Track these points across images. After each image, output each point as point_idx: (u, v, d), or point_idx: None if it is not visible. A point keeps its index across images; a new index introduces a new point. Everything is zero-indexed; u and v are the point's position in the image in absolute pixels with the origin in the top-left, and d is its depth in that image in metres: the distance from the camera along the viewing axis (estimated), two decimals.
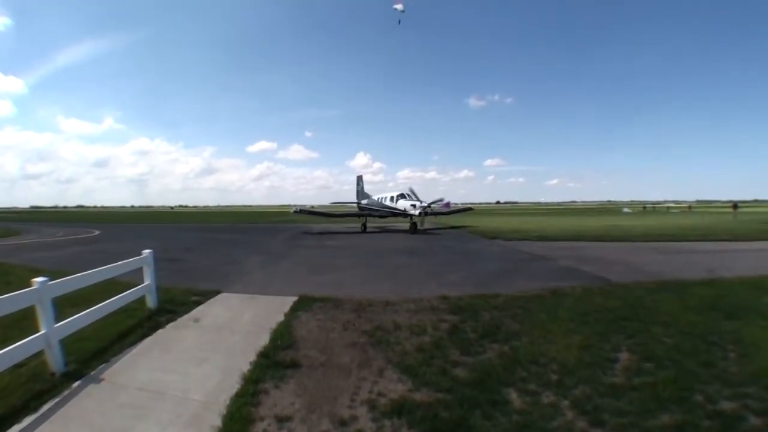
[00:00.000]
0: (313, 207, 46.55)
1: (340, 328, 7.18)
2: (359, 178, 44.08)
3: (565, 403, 4.48)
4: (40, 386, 4.90)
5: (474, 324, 7.24)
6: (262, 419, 4.24)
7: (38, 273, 7.43)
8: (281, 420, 4.21)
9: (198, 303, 8.86)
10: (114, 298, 7.13)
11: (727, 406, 4.33)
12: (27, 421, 4.23)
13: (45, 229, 39.81)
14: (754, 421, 4.06)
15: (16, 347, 4.76)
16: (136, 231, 37.01)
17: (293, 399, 4.66)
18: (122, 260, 7.75)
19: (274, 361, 5.66)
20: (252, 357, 5.80)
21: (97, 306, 6.57)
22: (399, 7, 31.22)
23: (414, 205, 30.08)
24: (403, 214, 31.24)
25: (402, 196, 32.16)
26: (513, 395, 4.66)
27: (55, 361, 5.28)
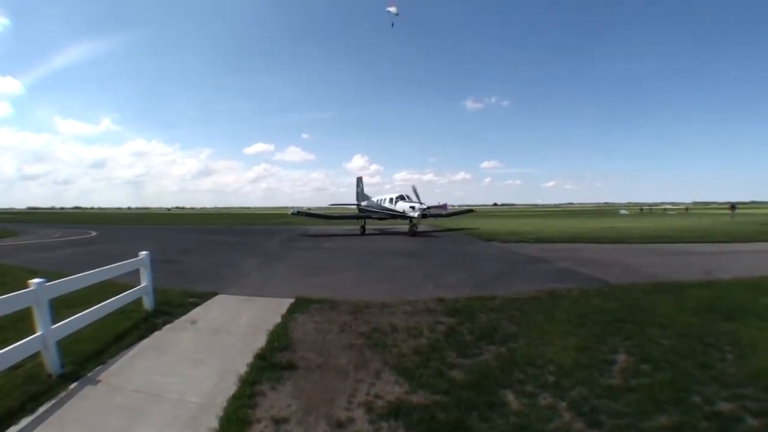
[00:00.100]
0: (310, 209, 46.42)
1: (337, 330, 7.17)
2: (359, 180, 43.89)
3: (563, 404, 4.47)
4: (36, 388, 4.88)
5: (471, 326, 7.23)
6: (258, 421, 4.23)
7: (35, 274, 7.40)
8: (278, 422, 4.20)
9: (195, 305, 8.84)
10: (111, 299, 7.10)
11: (724, 407, 4.34)
12: (24, 422, 4.21)
13: (42, 230, 39.75)
14: (752, 422, 4.07)
15: (12, 349, 4.74)
16: (132, 232, 36.95)
17: (290, 401, 4.65)
18: (119, 262, 7.73)
19: (271, 363, 5.64)
20: (249, 359, 5.79)
21: (93, 307, 6.55)
22: (392, 9, 31.31)
23: (413, 207, 29.67)
24: (402, 216, 30.86)
25: (401, 197, 31.72)
26: (510, 397, 4.66)
27: (51, 363, 5.26)
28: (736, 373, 5.12)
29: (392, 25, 33.16)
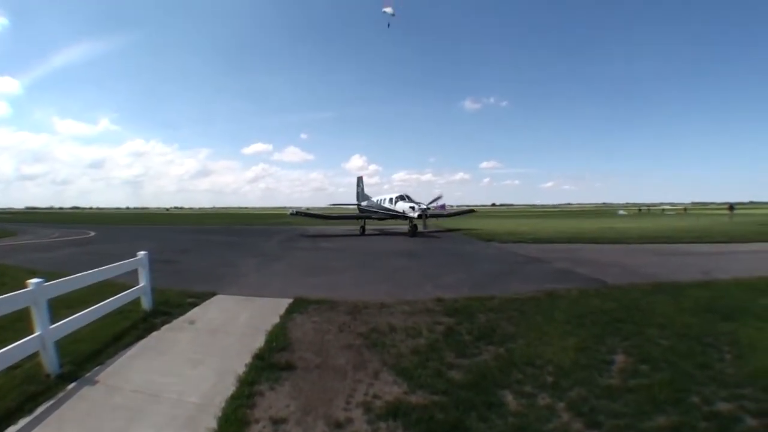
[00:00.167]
0: (308, 209, 46.27)
1: (336, 330, 7.17)
2: (359, 180, 43.69)
3: (561, 405, 4.47)
4: (34, 388, 4.87)
5: (469, 326, 7.23)
6: (257, 421, 4.22)
7: (34, 274, 7.39)
8: (276, 422, 4.20)
9: (193, 305, 8.83)
10: (109, 299, 7.10)
11: (723, 407, 4.34)
12: (22, 423, 4.20)
13: (40, 230, 39.74)
14: (751, 422, 4.07)
15: (10, 349, 4.73)
16: (131, 232, 36.93)
17: (288, 401, 4.65)
18: (117, 262, 7.72)
19: (270, 363, 5.64)
20: (247, 359, 5.78)
21: (92, 308, 6.54)
22: (388, 10, 31.34)
23: (413, 207, 29.59)
24: (402, 216, 30.68)
25: (401, 197, 31.54)
26: (509, 397, 4.66)
27: (50, 363, 5.25)
28: (734, 374, 5.13)
29: (388, 25, 33.19)
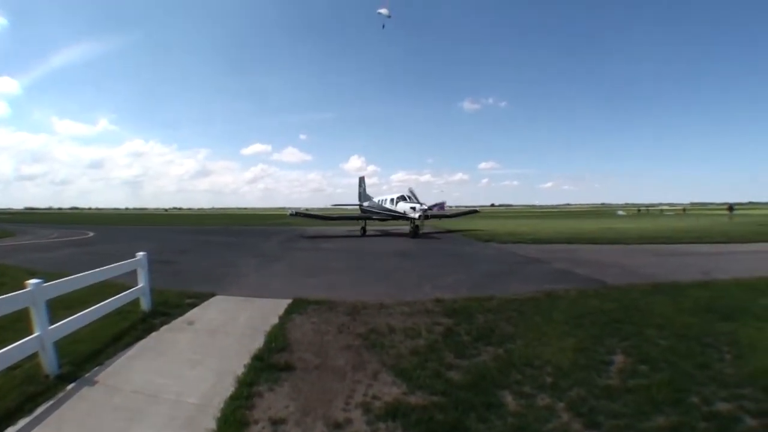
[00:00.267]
0: (308, 210, 46.16)
1: (335, 331, 7.16)
2: (361, 180, 43.46)
3: (560, 405, 4.47)
4: (34, 388, 4.87)
5: (468, 327, 7.23)
6: (256, 422, 4.22)
7: (33, 274, 7.39)
8: (275, 423, 4.20)
9: (192, 305, 8.83)
10: (108, 300, 7.09)
11: (723, 407, 4.34)
12: (21, 423, 4.20)
13: (39, 230, 39.76)
14: (750, 422, 4.07)
15: (10, 349, 4.73)
16: (130, 233, 36.95)
17: (287, 402, 4.65)
18: (116, 262, 7.72)
19: (269, 364, 5.64)
20: (246, 360, 5.78)
21: (91, 308, 6.54)
22: (384, 11, 31.43)
23: (414, 208, 29.19)
24: (404, 217, 30.32)
25: (402, 198, 31.16)
26: (508, 398, 4.66)
27: (49, 364, 5.25)
28: (734, 374, 5.13)
29: (383, 26, 33.36)
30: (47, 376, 5.18)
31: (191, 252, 20.55)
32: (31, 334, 5.12)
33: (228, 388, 4.95)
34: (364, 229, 33.11)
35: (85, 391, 4.95)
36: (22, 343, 4.92)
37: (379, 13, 32.36)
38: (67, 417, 4.35)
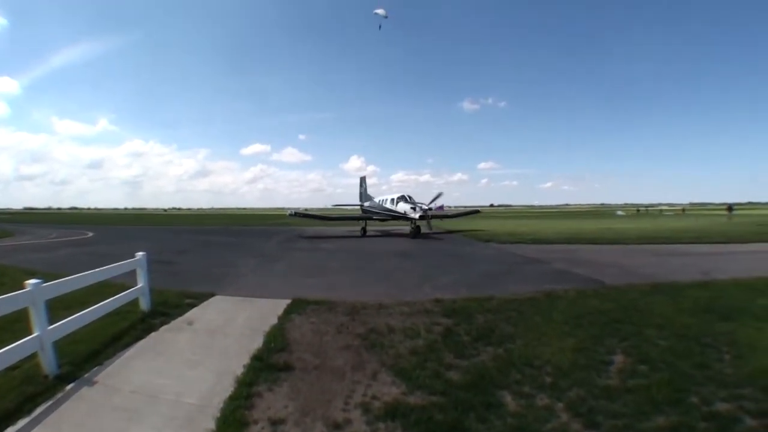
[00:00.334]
0: (307, 210, 46.05)
1: (334, 331, 7.16)
2: (362, 180, 43.34)
3: (560, 405, 4.48)
4: (33, 389, 4.87)
5: (468, 327, 7.23)
6: (255, 422, 4.22)
7: (32, 275, 7.39)
8: (275, 423, 4.20)
9: (191, 306, 8.83)
10: (107, 300, 7.09)
11: (722, 407, 4.34)
12: (20, 423, 4.20)
13: (38, 230, 39.74)
14: (750, 422, 4.07)
15: (9, 349, 4.72)
16: (129, 233, 36.94)
17: (287, 402, 4.65)
18: (116, 262, 7.72)
19: (268, 364, 5.64)
20: (245, 360, 5.78)
21: (90, 308, 6.54)
22: (380, 12, 31.50)
23: (414, 208, 29.10)
24: (404, 217, 30.17)
25: (403, 198, 30.89)
26: (507, 398, 4.66)
27: (48, 364, 5.25)
28: (733, 374, 5.13)
29: (380, 27, 33.47)
30: (46, 377, 5.17)
31: (190, 252, 20.56)
32: (30, 334, 5.12)
33: (227, 388, 4.95)
34: (364, 229, 32.91)
35: (85, 391, 4.94)
36: (22, 343, 4.92)
37: (376, 14, 32.44)
38: (67, 417, 4.35)
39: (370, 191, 41.26)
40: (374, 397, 4.74)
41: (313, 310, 8.50)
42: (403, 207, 30.23)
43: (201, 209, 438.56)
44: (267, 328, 7.22)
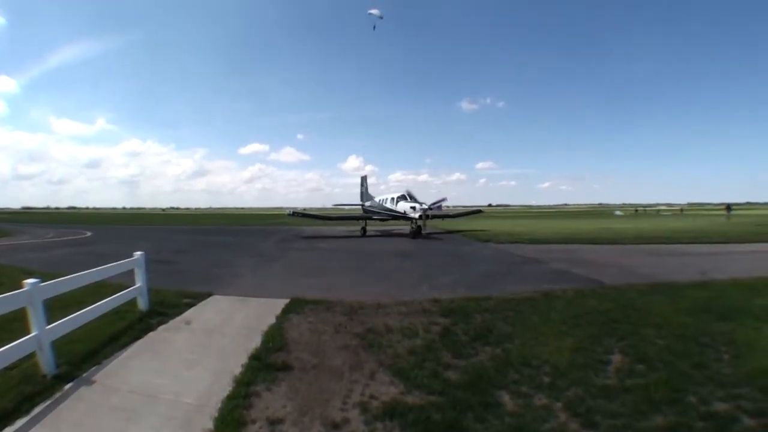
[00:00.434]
0: (305, 209, 45.93)
1: (332, 331, 7.16)
2: (363, 179, 43.11)
3: (558, 405, 4.48)
4: (31, 388, 4.86)
5: (466, 327, 7.23)
6: (253, 422, 4.22)
7: (30, 274, 7.38)
8: (273, 423, 4.19)
9: (189, 305, 8.82)
10: (105, 300, 7.08)
11: (720, 407, 4.35)
12: (19, 423, 4.19)
13: (37, 230, 39.68)
14: (748, 422, 4.08)
15: (7, 349, 4.72)
16: (127, 233, 36.93)
17: (285, 401, 4.64)
18: (113, 262, 7.71)
19: (266, 364, 5.63)
20: (243, 359, 5.78)
21: (88, 308, 6.53)
22: (375, 12, 31.50)
23: (414, 208, 28.79)
24: (404, 217, 29.93)
25: (403, 197, 30.72)
26: (505, 398, 4.66)
27: (46, 363, 5.24)
28: (732, 373, 5.14)
29: (374, 27, 33.51)
30: (45, 376, 5.17)
31: (188, 252, 20.55)
32: (27, 334, 5.11)
33: (225, 387, 4.94)
34: (364, 229, 32.68)
35: (83, 391, 4.94)
36: (20, 343, 4.91)
37: (370, 14, 32.45)
38: (65, 417, 4.34)
39: (370, 191, 41.16)
40: (372, 397, 4.74)
41: (311, 309, 8.50)
42: (403, 206, 30.03)
43: (199, 209, 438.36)
44: (265, 328, 7.22)
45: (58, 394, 4.81)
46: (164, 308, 8.44)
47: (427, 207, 28.89)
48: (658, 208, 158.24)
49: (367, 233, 32.22)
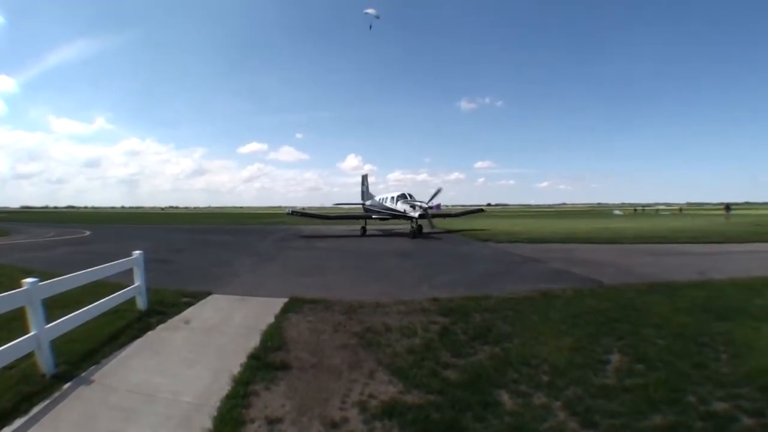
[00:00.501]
0: (304, 209, 45.86)
1: (331, 330, 7.16)
2: (364, 178, 42.93)
3: (557, 404, 4.48)
4: (30, 388, 4.85)
5: (465, 326, 7.24)
6: (252, 421, 4.22)
7: (29, 273, 7.37)
8: (272, 422, 4.19)
9: (188, 304, 8.82)
10: (104, 299, 7.07)
11: (719, 407, 4.35)
12: (17, 423, 4.19)
13: (35, 229, 39.55)
14: (747, 421, 4.08)
15: (6, 349, 4.71)
16: (126, 232, 36.86)
17: (284, 401, 4.64)
18: (112, 261, 7.70)
19: (265, 363, 5.63)
20: (242, 359, 5.78)
21: (87, 307, 6.52)
22: (371, 11, 31.46)
23: (414, 207, 28.71)
24: (404, 216, 29.75)
25: (402, 196, 30.58)
26: (504, 397, 4.67)
27: (45, 363, 5.23)
28: (730, 373, 5.14)
29: (370, 27, 33.50)
30: (43, 376, 5.16)
31: (187, 251, 20.53)
32: (26, 333, 5.10)
33: (224, 387, 4.94)
34: (364, 228, 32.41)
35: (82, 390, 4.93)
36: (18, 342, 4.91)
37: (366, 13, 32.43)
38: (64, 416, 4.34)
39: (370, 190, 41.02)
40: (371, 396, 4.74)
41: (310, 308, 8.50)
42: (402, 206, 29.93)
43: (198, 208, 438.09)
44: (264, 327, 7.22)
45: (56, 394, 4.80)
46: (163, 307, 8.44)
47: (426, 206, 28.78)
48: (657, 207, 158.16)
49: (367, 233, 32.06)
